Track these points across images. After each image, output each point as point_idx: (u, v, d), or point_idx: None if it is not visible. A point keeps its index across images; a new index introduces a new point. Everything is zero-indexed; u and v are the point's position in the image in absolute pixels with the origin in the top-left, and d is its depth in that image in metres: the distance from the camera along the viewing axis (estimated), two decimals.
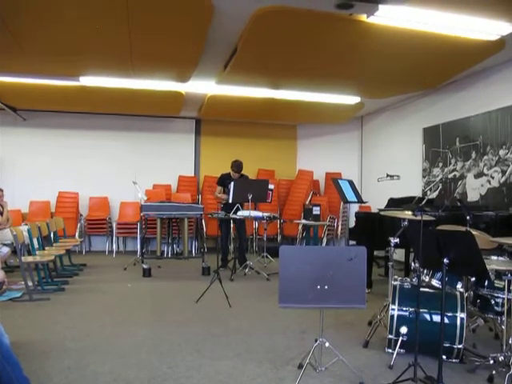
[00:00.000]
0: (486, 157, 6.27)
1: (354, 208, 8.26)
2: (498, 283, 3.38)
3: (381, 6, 3.97)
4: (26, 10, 4.18)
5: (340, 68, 5.92)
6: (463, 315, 3.25)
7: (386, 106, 8.77)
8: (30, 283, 5.08)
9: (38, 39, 4.89)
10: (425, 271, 3.73)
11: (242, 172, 6.95)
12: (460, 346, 3.22)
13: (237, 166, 6.86)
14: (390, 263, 3.99)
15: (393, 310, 3.41)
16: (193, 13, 4.28)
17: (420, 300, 3.19)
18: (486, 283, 3.45)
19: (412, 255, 5.31)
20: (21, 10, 4.17)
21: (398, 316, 3.38)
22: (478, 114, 6.42)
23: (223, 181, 6.99)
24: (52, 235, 6.56)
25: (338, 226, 9.09)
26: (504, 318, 3.21)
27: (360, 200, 5.84)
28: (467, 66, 5.94)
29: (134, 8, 4.16)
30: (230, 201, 6.31)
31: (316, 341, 3.06)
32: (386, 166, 8.12)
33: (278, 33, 4.72)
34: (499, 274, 3.29)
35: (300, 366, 3.09)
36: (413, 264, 3.84)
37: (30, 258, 5.32)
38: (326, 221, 8.58)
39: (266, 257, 7.20)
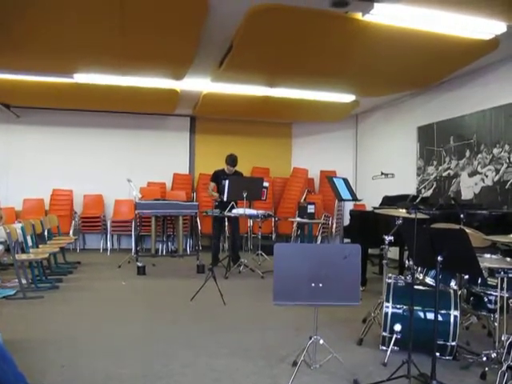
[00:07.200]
0: (479, 155, 6.30)
1: (349, 206, 8.28)
2: (491, 281, 3.40)
3: (376, 4, 3.99)
4: (20, 7, 4.16)
5: (335, 66, 5.92)
6: (457, 313, 3.26)
7: (380, 105, 8.79)
8: (23, 281, 5.06)
9: (32, 36, 4.86)
10: (419, 269, 3.74)
11: (236, 168, 6.93)
12: (453, 344, 3.24)
13: (232, 159, 6.83)
14: (385, 261, 4.00)
15: (387, 307, 3.42)
16: (187, 10, 4.27)
17: (414, 298, 3.20)
18: (480, 281, 3.47)
19: (406, 253, 5.33)
20: (15, 7, 4.15)
21: (392, 313, 3.40)
22: (472, 113, 6.45)
23: (217, 177, 6.96)
24: (46, 233, 6.53)
25: (332, 224, 9.10)
26: (497, 316, 3.23)
27: (354, 198, 5.86)
28: (462, 64, 5.96)
29: (128, 5, 4.15)
30: (225, 199, 6.29)
31: (310, 338, 3.06)
32: (380, 164, 8.13)
33: (273, 30, 4.72)
34: (492, 272, 3.31)
35: (294, 364, 3.09)
36: (407, 262, 3.85)
37: (23, 256, 5.29)
38: (321, 219, 8.59)
39: (261, 255, 7.20)
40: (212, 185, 7.03)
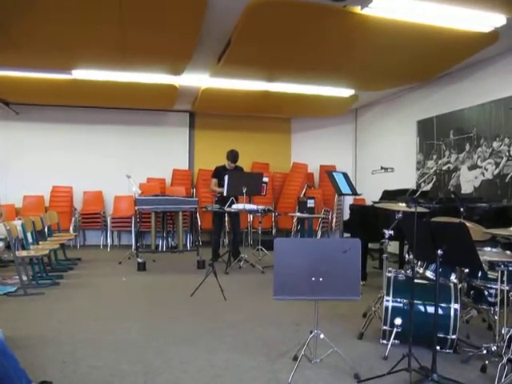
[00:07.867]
0: (479, 149, 6.29)
1: (349, 200, 8.28)
2: (491, 274, 3.40)
3: None
4: (19, 4, 4.14)
5: (334, 60, 5.90)
6: (457, 306, 3.27)
7: (380, 99, 8.76)
8: (24, 278, 5.06)
9: (31, 33, 4.83)
10: (419, 263, 3.74)
11: (237, 164, 6.92)
12: (454, 337, 3.25)
13: (233, 155, 6.81)
14: (385, 255, 4.00)
15: (387, 301, 3.42)
16: (186, 5, 4.25)
17: (414, 291, 3.20)
18: (480, 274, 3.47)
19: (406, 247, 5.34)
20: (14, 5, 4.13)
21: (393, 307, 3.40)
22: (471, 107, 6.43)
23: (218, 173, 6.95)
24: (46, 229, 6.52)
25: (332, 218, 9.11)
26: (497, 309, 3.24)
27: (354, 192, 5.86)
28: (461, 58, 5.94)
29: (127, 1, 4.13)
30: (225, 194, 6.29)
31: (311, 333, 3.07)
32: (380, 158, 8.12)
33: (272, 25, 4.70)
34: (492, 265, 3.31)
35: (295, 358, 3.10)
36: (407, 256, 3.86)
37: (24, 253, 5.29)
38: (321, 213, 8.59)
39: (261, 250, 7.20)
40: (214, 181, 7.02)
